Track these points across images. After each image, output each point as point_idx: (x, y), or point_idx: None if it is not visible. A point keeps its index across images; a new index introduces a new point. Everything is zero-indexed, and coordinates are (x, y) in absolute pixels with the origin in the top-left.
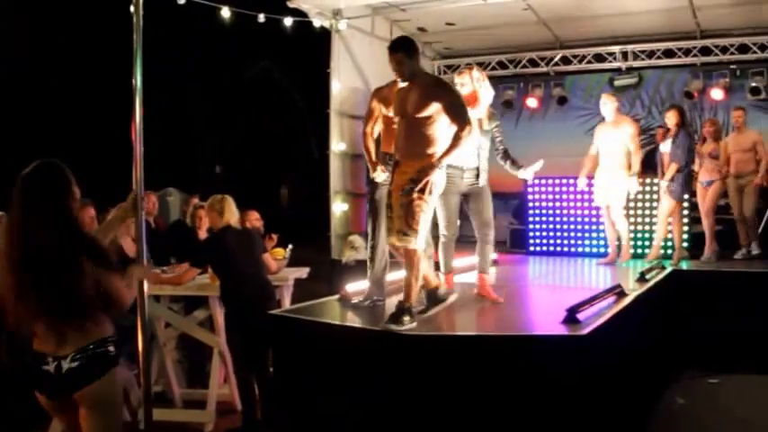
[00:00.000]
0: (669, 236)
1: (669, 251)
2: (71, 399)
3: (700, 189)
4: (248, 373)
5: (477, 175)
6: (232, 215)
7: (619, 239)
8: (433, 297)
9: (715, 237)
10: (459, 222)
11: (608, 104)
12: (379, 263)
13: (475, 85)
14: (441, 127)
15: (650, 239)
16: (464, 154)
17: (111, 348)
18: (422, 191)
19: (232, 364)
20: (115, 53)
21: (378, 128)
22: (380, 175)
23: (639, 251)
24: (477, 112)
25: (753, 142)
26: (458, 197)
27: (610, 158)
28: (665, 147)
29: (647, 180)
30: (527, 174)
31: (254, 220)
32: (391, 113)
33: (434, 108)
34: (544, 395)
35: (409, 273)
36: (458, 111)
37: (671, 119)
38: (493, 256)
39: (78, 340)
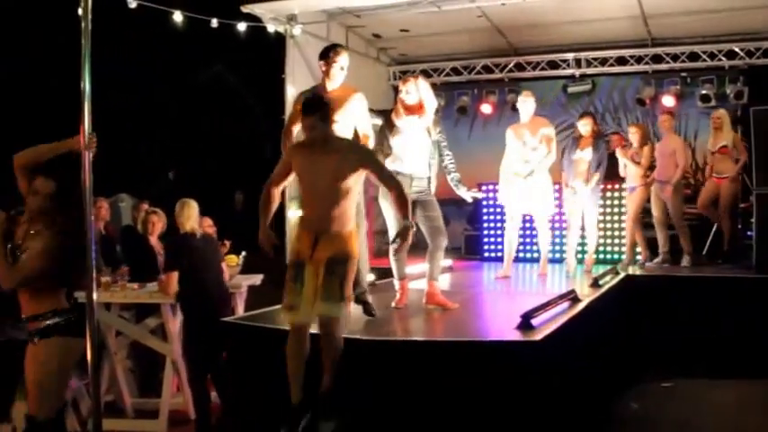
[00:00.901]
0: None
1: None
2: None
3: (627, 195)
4: (204, 380)
5: (428, 184)
6: (188, 220)
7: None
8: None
9: (646, 243)
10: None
11: (528, 102)
12: None
13: (421, 93)
14: (356, 195)
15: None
16: (414, 162)
17: None
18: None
19: (188, 371)
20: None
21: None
22: None
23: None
24: (425, 121)
25: (673, 149)
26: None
27: (533, 163)
28: (586, 154)
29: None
30: (466, 194)
31: (207, 226)
32: None
33: (358, 175)
34: (499, 401)
35: (332, 354)
36: (387, 175)
37: (586, 126)
38: (448, 262)
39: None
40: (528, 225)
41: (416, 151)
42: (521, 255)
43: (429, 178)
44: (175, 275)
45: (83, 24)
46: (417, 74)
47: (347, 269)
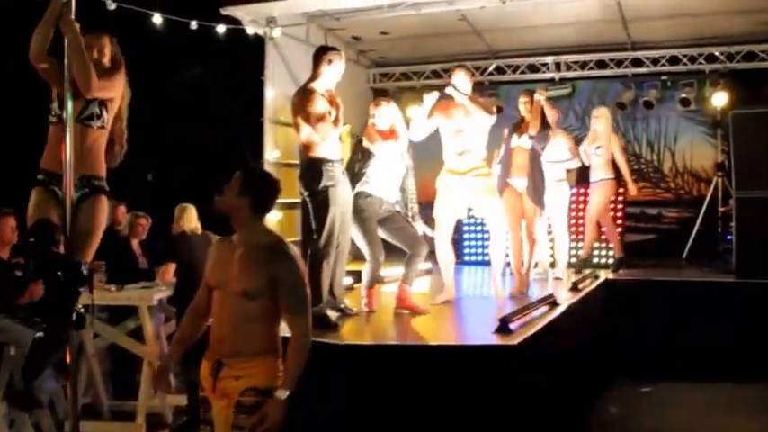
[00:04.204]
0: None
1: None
2: None
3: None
4: (192, 369)
5: (395, 206)
6: (188, 222)
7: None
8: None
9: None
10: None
11: (462, 77)
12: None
13: (392, 117)
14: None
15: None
16: (385, 186)
17: None
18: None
19: (181, 358)
20: None
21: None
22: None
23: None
24: (400, 145)
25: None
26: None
27: (472, 154)
28: (524, 141)
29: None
30: (420, 227)
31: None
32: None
33: (268, 284)
34: (476, 405)
35: None
36: (297, 301)
37: (527, 105)
38: (427, 265)
39: None
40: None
41: (389, 176)
42: (507, 259)
43: (398, 202)
44: (172, 266)
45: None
46: (389, 98)
47: (270, 416)
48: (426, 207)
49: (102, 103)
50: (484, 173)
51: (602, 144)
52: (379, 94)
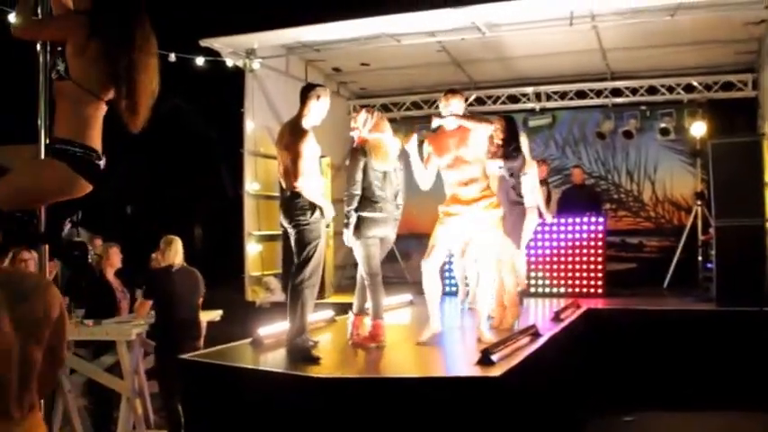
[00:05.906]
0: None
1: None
2: None
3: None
4: (174, 405)
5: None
6: (175, 255)
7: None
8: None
9: None
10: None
11: (452, 104)
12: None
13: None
14: None
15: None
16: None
17: None
18: None
19: (163, 393)
20: None
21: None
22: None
23: None
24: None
25: None
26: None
27: (475, 182)
28: (493, 167)
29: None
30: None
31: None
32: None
33: None
34: None
35: None
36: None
37: (497, 133)
38: (408, 297)
39: None
40: None
41: None
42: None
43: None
44: (148, 303)
45: (41, 59)
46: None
47: None
48: (408, 239)
49: (61, 53)
50: (492, 203)
51: (529, 170)
52: None
